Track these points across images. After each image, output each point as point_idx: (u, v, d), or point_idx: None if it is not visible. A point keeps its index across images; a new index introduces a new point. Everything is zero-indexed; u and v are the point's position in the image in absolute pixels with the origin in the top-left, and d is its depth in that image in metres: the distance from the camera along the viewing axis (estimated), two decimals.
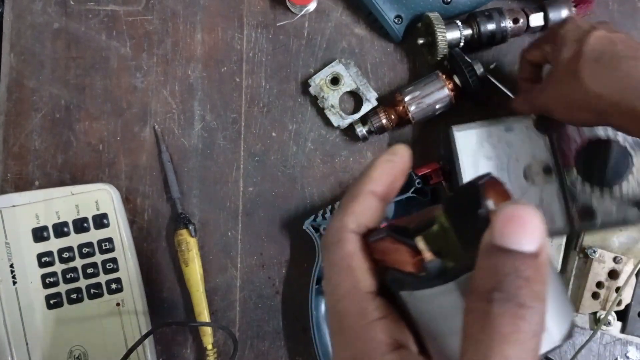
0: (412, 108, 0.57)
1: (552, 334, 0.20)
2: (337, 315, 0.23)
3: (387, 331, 0.22)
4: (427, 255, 0.22)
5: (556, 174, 0.54)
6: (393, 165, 0.25)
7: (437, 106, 0.57)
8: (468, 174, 0.53)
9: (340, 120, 0.59)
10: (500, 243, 0.18)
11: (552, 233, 0.54)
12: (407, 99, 0.57)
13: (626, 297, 0.54)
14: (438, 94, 0.57)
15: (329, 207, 0.56)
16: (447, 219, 0.23)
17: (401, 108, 0.57)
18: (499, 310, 0.18)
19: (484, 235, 0.19)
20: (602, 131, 0.53)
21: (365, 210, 0.24)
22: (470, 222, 0.21)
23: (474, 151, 0.54)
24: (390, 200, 0.25)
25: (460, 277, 0.20)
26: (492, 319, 0.18)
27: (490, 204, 0.21)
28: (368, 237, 0.23)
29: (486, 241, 0.19)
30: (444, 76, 0.57)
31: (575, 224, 0.53)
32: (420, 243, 0.22)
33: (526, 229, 0.18)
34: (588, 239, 0.55)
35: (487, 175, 0.22)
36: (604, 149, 0.52)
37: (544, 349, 0.20)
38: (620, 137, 0.52)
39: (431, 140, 0.61)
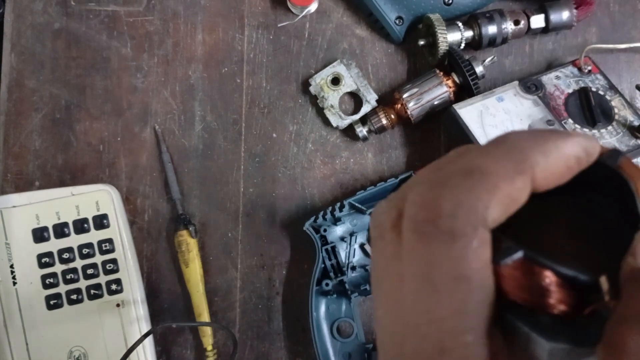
0: (411, 105, 0.57)
1: None
2: (440, 354, 0.15)
3: None
4: (612, 303, 0.15)
5: (559, 124, 0.55)
6: (583, 155, 0.17)
7: (436, 102, 0.57)
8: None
9: (340, 120, 0.59)
10: None
11: None
12: (405, 95, 0.57)
13: None
14: (436, 90, 0.57)
15: (330, 208, 0.56)
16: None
17: (400, 106, 0.57)
18: None
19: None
20: (575, 84, 0.57)
21: (517, 199, 0.16)
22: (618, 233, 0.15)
23: (480, 123, 0.55)
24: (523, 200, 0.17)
25: None
26: None
27: None
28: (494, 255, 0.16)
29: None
30: (441, 73, 0.57)
31: None
32: (605, 284, 0.15)
33: None
34: None
35: (617, 153, 0.16)
36: (584, 95, 0.56)
37: None
38: (592, 85, 0.58)
39: (431, 140, 0.61)
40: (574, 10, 0.58)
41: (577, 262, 0.16)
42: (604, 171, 0.17)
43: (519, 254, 0.15)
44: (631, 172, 0.17)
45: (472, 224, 0.15)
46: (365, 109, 0.59)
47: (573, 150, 0.17)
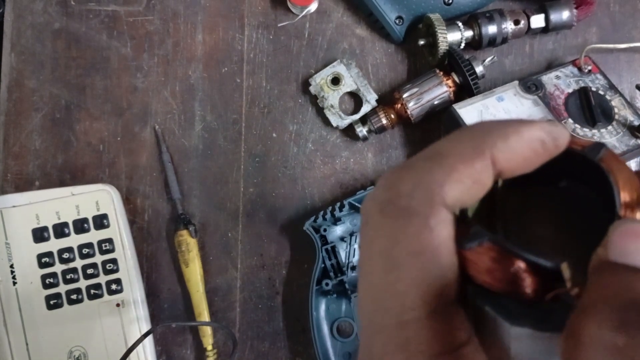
0: (411, 104, 0.57)
1: None
2: (399, 327, 0.16)
3: None
4: (574, 290, 0.15)
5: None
6: (548, 140, 0.17)
7: (436, 102, 0.57)
8: None
9: (340, 120, 0.59)
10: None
11: None
12: (405, 95, 0.57)
13: None
14: (436, 90, 0.57)
15: (330, 207, 0.56)
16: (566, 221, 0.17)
17: (400, 106, 0.57)
18: None
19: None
20: (575, 84, 0.57)
21: (478, 180, 0.17)
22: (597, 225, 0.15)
23: None
24: (489, 184, 0.17)
25: None
26: None
27: (625, 197, 0.16)
28: (460, 239, 0.16)
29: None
30: (441, 73, 0.57)
31: None
32: (567, 271, 0.15)
33: None
34: None
35: (599, 146, 0.17)
36: (584, 95, 0.56)
37: None
38: (592, 85, 0.58)
39: (431, 140, 0.60)
40: (574, 10, 0.58)
41: (551, 250, 0.17)
42: (586, 164, 0.17)
43: (484, 239, 0.16)
44: (612, 165, 0.17)
45: (428, 202, 0.16)
46: (365, 108, 0.59)
47: (535, 135, 0.17)
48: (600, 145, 0.17)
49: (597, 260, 0.14)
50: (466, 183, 0.16)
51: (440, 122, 0.60)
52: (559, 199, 0.18)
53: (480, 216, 0.18)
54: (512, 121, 0.18)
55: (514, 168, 0.17)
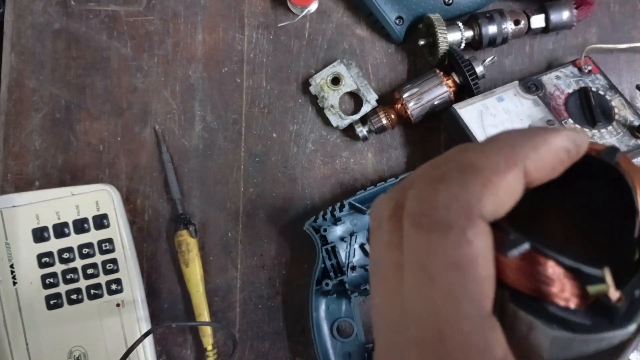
0: (411, 104, 0.57)
1: None
2: (439, 342, 0.16)
3: None
4: (614, 294, 0.16)
5: (559, 124, 0.56)
6: (572, 148, 0.18)
7: (436, 102, 0.57)
8: None
9: (340, 120, 0.59)
10: None
11: None
12: (405, 95, 0.57)
13: None
14: (437, 90, 0.57)
15: (330, 208, 0.56)
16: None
17: (400, 106, 0.57)
18: None
19: None
20: (575, 84, 0.58)
21: (512, 192, 0.17)
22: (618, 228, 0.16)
23: (480, 123, 0.55)
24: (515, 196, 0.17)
25: None
26: None
27: None
28: (500, 247, 0.16)
29: None
30: (441, 73, 0.57)
31: None
32: (609, 277, 0.16)
33: None
34: None
35: (614, 150, 0.17)
36: (584, 95, 0.56)
37: None
38: (592, 85, 0.58)
39: (432, 140, 0.61)
40: (574, 10, 0.58)
41: (579, 252, 0.17)
42: (602, 167, 0.18)
43: (525, 245, 0.16)
44: (628, 167, 0.18)
45: (466, 215, 0.16)
46: (365, 108, 0.59)
47: (562, 143, 0.18)
48: (615, 149, 0.18)
49: None
50: (501, 195, 0.16)
51: (441, 122, 0.60)
52: (574, 200, 0.19)
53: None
54: (539, 130, 0.18)
55: (542, 177, 0.18)
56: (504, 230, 0.17)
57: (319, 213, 0.56)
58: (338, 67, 0.60)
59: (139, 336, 0.53)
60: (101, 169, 0.59)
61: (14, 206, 0.54)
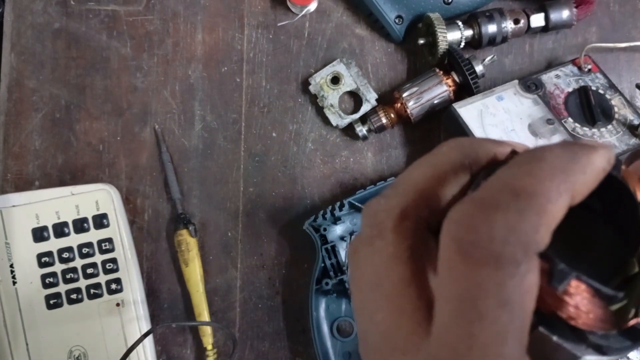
0: (411, 104, 0.57)
1: None
2: None
3: None
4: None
5: (559, 123, 0.55)
6: (607, 167, 0.17)
7: (436, 101, 0.57)
8: None
9: (339, 119, 0.59)
10: None
11: None
12: (405, 95, 0.57)
13: None
14: (436, 89, 0.57)
15: (329, 207, 0.56)
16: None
17: (399, 105, 0.57)
18: None
19: None
20: (574, 83, 0.58)
21: (559, 218, 0.16)
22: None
23: (480, 122, 0.55)
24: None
25: None
26: None
27: None
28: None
29: None
30: (441, 72, 0.57)
31: None
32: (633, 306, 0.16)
33: None
34: None
35: (618, 162, 0.17)
36: (584, 94, 0.56)
37: None
38: (592, 84, 0.58)
39: (431, 140, 0.61)
40: (574, 10, 0.58)
41: (603, 276, 0.17)
42: (608, 181, 0.17)
43: (572, 277, 0.16)
44: (633, 182, 0.18)
45: (525, 249, 0.15)
46: (365, 108, 0.59)
47: (602, 163, 0.17)
48: (619, 162, 0.18)
49: None
50: (552, 223, 0.15)
51: (440, 121, 0.60)
52: (579, 218, 0.18)
53: None
54: (582, 149, 0.17)
55: (581, 199, 0.17)
56: (549, 259, 0.16)
57: (319, 212, 0.56)
58: (338, 67, 0.60)
59: (139, 336, 0.53)
60: (101, 169, 0.59)
61: (13, 206, 0.54)
